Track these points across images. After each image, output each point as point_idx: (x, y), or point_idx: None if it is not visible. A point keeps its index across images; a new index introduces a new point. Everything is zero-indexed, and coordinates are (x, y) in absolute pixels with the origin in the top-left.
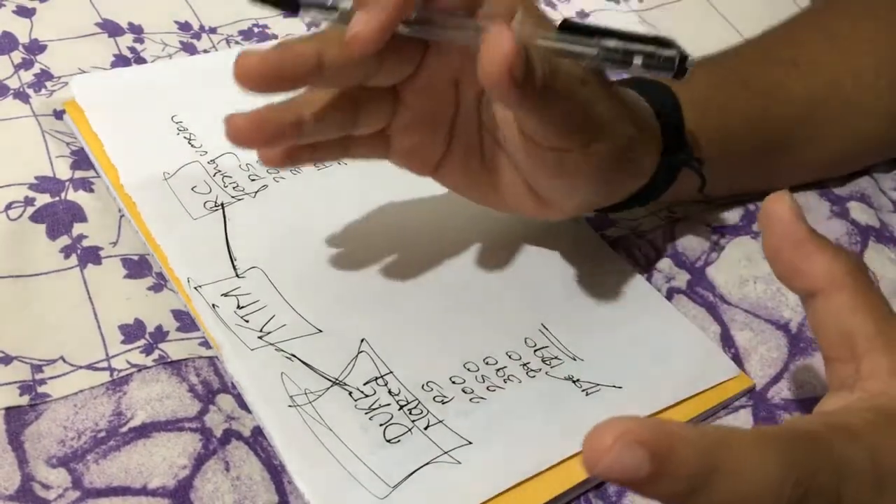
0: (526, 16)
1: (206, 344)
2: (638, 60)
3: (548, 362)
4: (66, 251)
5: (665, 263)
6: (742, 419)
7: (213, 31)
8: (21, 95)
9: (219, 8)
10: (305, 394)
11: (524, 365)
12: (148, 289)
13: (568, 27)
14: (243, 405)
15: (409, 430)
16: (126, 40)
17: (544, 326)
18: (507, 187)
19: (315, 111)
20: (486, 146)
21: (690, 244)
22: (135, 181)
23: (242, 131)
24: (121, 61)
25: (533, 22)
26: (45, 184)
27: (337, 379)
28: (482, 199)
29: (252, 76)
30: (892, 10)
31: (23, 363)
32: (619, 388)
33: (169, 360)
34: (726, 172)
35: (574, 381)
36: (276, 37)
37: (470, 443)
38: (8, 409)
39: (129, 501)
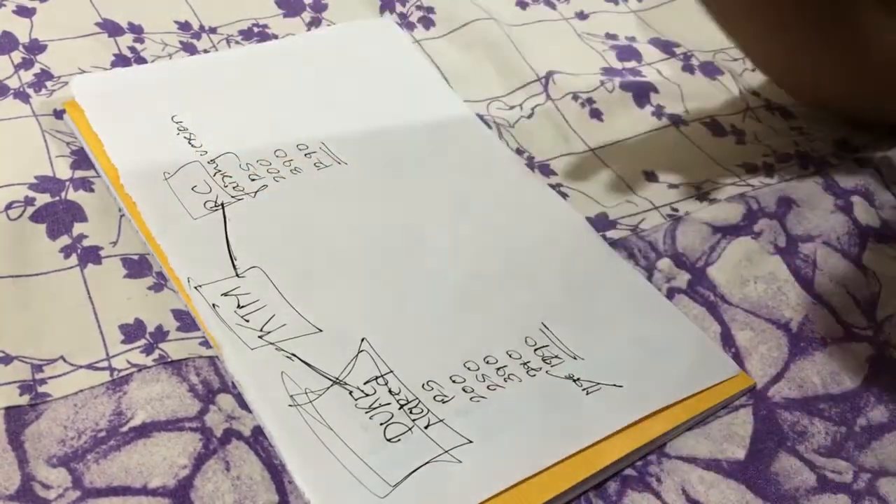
0: None
1: (206, 343)
2: None
3: (548, 361)
4: (66, 251)
5: (665, 263)
6: (742, 418)
7: (213, 31)
8: (21, 95)
9: (219, 8)
10: (306, 393)
11: (524, 364)
12: (148, 288)
13: None
14: (243, 405)
15: (410, 429)
16: (126, 40)
17: (545, 325)
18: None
19: None
20: None
21: (691, 244)
22: (135, 181)
23: None
24: (121, 61)
25: None
26: (46, 183)
27: (337, 378)
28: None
29: None
30: None
31: (23, 363)
32: (620, 386)
33: (169, 359)
34: None
35: (574, 380)
36: (276, 36)
37: (470, 442)
38: (8, 408)
39: (129, 501)
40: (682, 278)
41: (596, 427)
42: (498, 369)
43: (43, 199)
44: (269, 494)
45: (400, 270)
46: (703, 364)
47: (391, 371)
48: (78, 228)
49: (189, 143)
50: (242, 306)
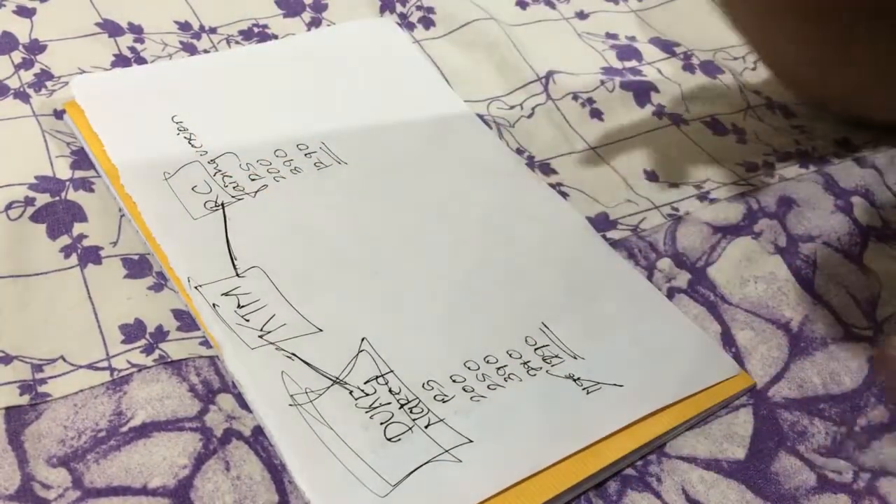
0: None
1: (206, 343)
2: None
3: (548, 361)
4: (67, 251)
5: (665, 263)
6: (742, 418)
7: (213, 31)
8: (21, 95)
9: (219, 8)
10: (306, 393)
11: (525, 363)
12: (148, 288)
13: None
14: (244, 405)
15: (410, 428)
16: (126, 40)
17: (545, 325)
18: None
19: None
20: None
21: (691, 244)
22: (135, 181)
23: None
24: (121, 61)
25: None
26: (46, 183)
27: (337, 378)
28: None
29: None
30: None
31: (23, 363)
32: (620, 386)
33: (169, 359)
34: None
35: (575, 380)
36: (276, 37)
37: (471, 441)
38: (8, 408)
39: (129, 501)
40: (683, 278)
41: (596, 427)
42: (498, 369)
43: (43, 199)
44: (269, 494)
45: (400, 270)
46: (704, 364)
47: (391, 371)
48: (78, 228)
49: (189, 143)
50: (243, 306)
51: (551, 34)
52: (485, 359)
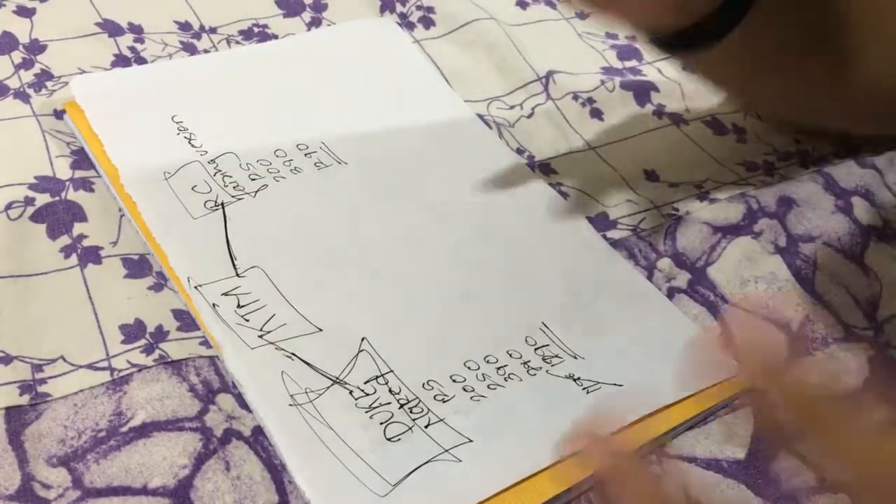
0: None
1: (206, 343)
2: None
3: (548, 361)
4: (67, 251)
5: (665, 263)
6: (742, 418)
7: (213, 31)
8: (21, 95)
9: (219, 8)
10: (306, 392)
11: (525, 363)
12: (148, 288)
13: None
14: (244, 405)
15: (410, 428)
16: (126, 40)
17: (545, 325)
18: None
19: None
20: None
21: (691, 244)
22: (135, 181)
23: None
24: (121, 61)
25: None
26: (46, 183)
27: (337, 378)
28: None
29: None
30: None
31: (23, 363)
32: (620, 386)
33: (169, 359)
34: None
35: (575, 380)
36: (276, 36)
37: (470, 441)
38: (8, 408)
39: (129, 501)
40: (683, 278)
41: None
42: (498, 369)
43: (43, 199)
44: (269, 494)
45: (400, 270)
46: (704, 364)
47: (391, 370)
48: (78, 228)
49: (189, 142)
50: (242, 306)
51: (551, 34)
52: (485, 359)
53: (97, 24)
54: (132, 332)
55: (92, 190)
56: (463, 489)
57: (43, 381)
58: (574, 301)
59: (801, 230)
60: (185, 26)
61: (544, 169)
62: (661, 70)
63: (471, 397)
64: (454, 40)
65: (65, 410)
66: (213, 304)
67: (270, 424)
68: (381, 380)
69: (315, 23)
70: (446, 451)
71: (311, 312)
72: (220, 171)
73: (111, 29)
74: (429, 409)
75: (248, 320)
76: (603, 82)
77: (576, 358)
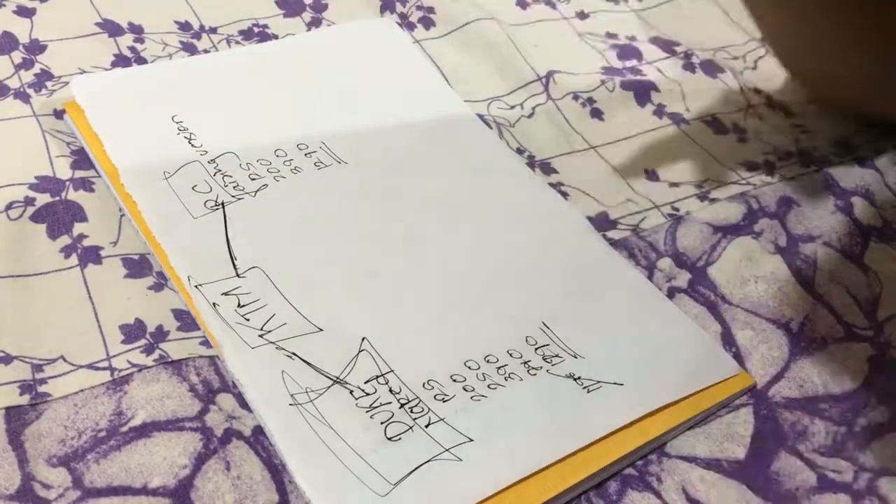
0: None
1: (206, 343)
2: None
3: (549, 360)
4: (67, 251)
5: (666, 263)
6: (743, 418)
7: (213, 31)
8: (21, 95)
9: (219, 8)
10: (306, 392)
11: (525, 363)
12: (148, 288)
13: None
14: (244, 404)
15: (410, 427)
16: (126, 40)
17: (545, 325)
18: None
19: None
20: None
21: (691, 244)
22: (135, 181)
23: None
24: (121, 61)
25: None
26: (46, 183)
27: (338, 377)
28: None
29: None
30: None
31: (23, 363)
32: (621, 385)
33: (169, 359)
34: None
35: (575, 379)
36: (276, 36)
37: (471, 440)
38: (8, 408)
39: (129, 501)
40: (683, 278)
41: (596, 426)
42: (498, 368)
43: (43, 199)
44: (269, 494)
45: (400, 270)
46: (704, 363)
47: (391, 370)
48: (78, 228)
49: (189, 142)
50: (243, 305)
51: (551, 34)
52: (485, 358)
53: (97, 24)
54: (132, 331)
55: (92, 190)
56: (463, 488)
57: (43, 381)
58: (574, 301)
59: (800, 230)
60: (185, 26)
61: (544, 169)
62: (662, 70)
63: (471, 397)
64: (454, 40)
65: (65, 410)
66: (214, 304)
67: (271, 424)
68: (381, 379)
69: (315, 23)
70: (447, 450)
71: (312, 312)
72: (220, 170)
73: (111, 29)
74: (429, 409)
75: (248, 320)
76: (603, 82)
77: (576, 357)
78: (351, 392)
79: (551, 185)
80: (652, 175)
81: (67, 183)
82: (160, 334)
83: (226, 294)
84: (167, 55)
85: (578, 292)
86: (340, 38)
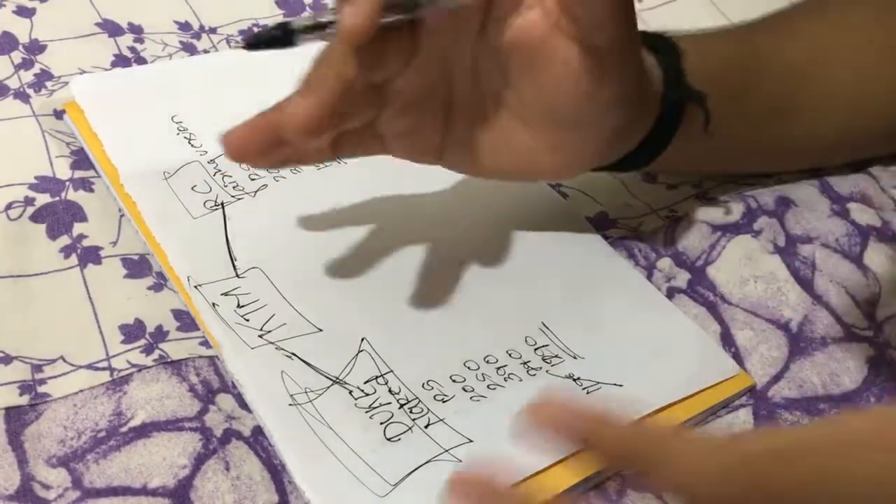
0: None
1: (206, 344)
2: None
3: (548, 361)
4: (66, 251)
5: (665, 263)
6: (742, 418)
7: (213, 31)
8: (21, 95)
9: (219, 8)
10: (306, 392)
11: (525, 363)
12: (148, 288)
13: None
14: (243, 405)
15: (410, 428)
16: (126, 40)
17: (545, 325)
18: (517, 147)
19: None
20: (489, 111)
21: (691, 243)
22: (135, 181)
23: (234, 146)
24: (121, 61)
25: None
26: (46, 184)
27: (337, 378)
28: (493, 169)
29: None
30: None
31: (23, 363)
32: (620, 386)
33: (169, 359)
34: (727, 129)
35: (575, 380)
36: None
37: (470, 441)
38: (8, 408)
39: (129, 501)
40: (682, 278)
41: None
42: (498, 369)
43: (43, 199)
44: (268, 494)
45: (400, 270)
46: (704, 363)
47: (391, 370)
48: (78, 228)
49: (189, 142)
50: (242, 306)
51: None
52: (485, 359)
53: (97, 24)
54: (132, 332)
55: (92, 190)
56: None
57: (43, 382)
58: (574, 301)
59: (799, 230)
60: (185, 26)
61: None
62: None
63: (471, 397)
64: None
65: (64, 410)
66: (213, 304)
67: (270, 424)
68: (380, 380)
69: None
70: (446, 451)
71: (311, 312)
72: (219, 170)
73: (111, 29)
74: (429, 409)
75: (247, 320)
76: None
77: (575, 358)
78: (350, 392)
79: (550, 185)
80: (649, 177)
81: (67, 183)
82: (160, 334)
83: (225, 294)
84: (167, 55)
85: (578, 293)
86: None
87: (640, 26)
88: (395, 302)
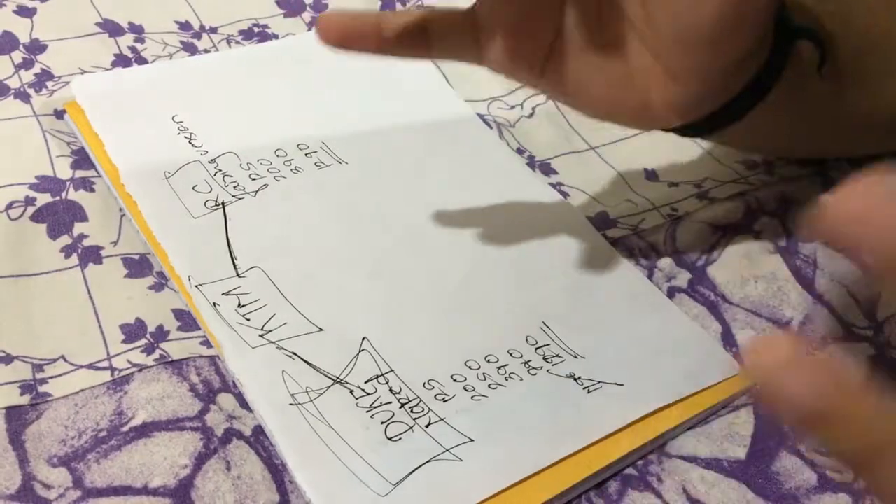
0: None
1: (206, 343)
2: None
3: (549, 360)
4: (67, 251)
5: (666, 262)
6: (743, 418)
7: (213, 31)
8: (22, 95)
9: (219, 8)
10: (306, 392)
11: (525, 363)
12: (149, 288)
13: None
14: (244, 404)
15: (411, 427)
16: (126, 40)
17: (545, 324)
18: (632, 75)
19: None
20: (610, 31)
21: (691, 243)
22: (135, 180)
23: (329, 31)
24: (121, 61)
25: None
26: (46, 183)
27: (338, 377)
28: (598, 101)
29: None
30: None
31: (23, 363)
32: (621, 385)
33: (170, 359)
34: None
35: (575, 379)
36: (276, 36)
37: (471, 440)
38: (9, 408)
39: (130, 501)
40: (683, 277)
41: (597, 426)
42: (499, 368)
43: (43, 198)
44: (269, 494)
45: (400, 269)
46: (704, 363)
47: (392, 370)
48: (78, 228)
49: (189, 142)
50: (243, 305)
51: None
52: (485, 358)
53: (97, 24)
54: (133, 331)
55: (92, 190)
56: (464, 488)
57: (43, 381)
58: (574, 300)
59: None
60: (185, 26)
61: (544, 169)
62: None
63: (471, 397)
64: None
65: (65, 410)
66: (214, 304)
67: (271, 424)
68: (381, 379)
69: (315, 23)
70: (447, 450)
71: (312, 312)
72: (220, 170)
73: (111, 29)
74: (429, 409)
75: (248, 320)
76: None
77: (576, 357)
78: (351, 392)
79: (551, 185)
80: (651, 175)
81: (68, 183)
82: (160, 334)
83: (226, 294)
84: (167, 55)
85: (578, 292)
86: None
87: None
88: (395, 301)
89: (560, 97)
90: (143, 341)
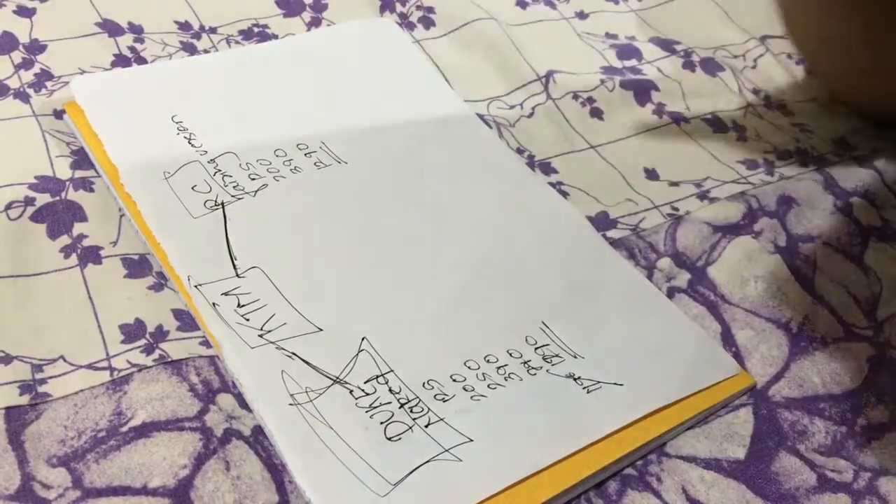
0: None
1: (206, 343)
2: None
3: (549, 360)
4: (67, 251)
5: (665, 263)
6: (743, 417)
7: (213, 31)
8: (21, 95)
9: (219, 8)
10: (306, 392)
11: (525, 363)
12: (148, 288)
13: None
14: (244, 404)
15: (410, 427)
16: (126, 40)
17: (545, 324)
18: None
19: None
20: None
21: (691, 243)
22: (135, 180)
23: None
24: (121, 61)
25: None
26: (46, 183)
27: (337, 377)
28: None
29: None
30: None
31: (23, 363)
32: (620, 385)
33: (169, 359)
34: None
35: (575, 379)
36: (276, 36)
37: (471, 440)
38: (8, 408)
39: (129, 501)
40: (683, 278)
41: (596, 426)
42: (498, 368)
43: (43, 198)
44: (269, 494)
45: (400, 269)
46: (704, 363)
47: (391, 370)
48: (78, 228)
49: (189, 142)
50: (243, 305)
51: (551, 34)
52: (485, 358)
53: (97, 24)
54: (132, 331)
55: (92, 190)
56: (463, 488)
57: (43, 381)
58: (574, 300)
59: (800, 230)
60: (185, 26)
61: (544, 169)
62: (661, 68)
63: (471, 397)
64: (454, 40)
65: (65, 410)
66: (214, 304)
67: (270, 424)
68: (381, 379)
69: (315, 23)
70: (447, 450)
71: (311, 312)
72: (220, 170)
73: (111, 29)
74: (429, 409)
75: (248, 320)
76: (603, 81)
77: (576, 357)
78: (351, 392)
79: (551, 184)
80: (652, 174)
81: (67, 183)
82: (160, 334)
83: (226, 294)
84: (167, 55)
85: (578, 292)
86: (340, 38)
87: (641, 26)
88: (395, 302)
89: None
90: (142, 341)
